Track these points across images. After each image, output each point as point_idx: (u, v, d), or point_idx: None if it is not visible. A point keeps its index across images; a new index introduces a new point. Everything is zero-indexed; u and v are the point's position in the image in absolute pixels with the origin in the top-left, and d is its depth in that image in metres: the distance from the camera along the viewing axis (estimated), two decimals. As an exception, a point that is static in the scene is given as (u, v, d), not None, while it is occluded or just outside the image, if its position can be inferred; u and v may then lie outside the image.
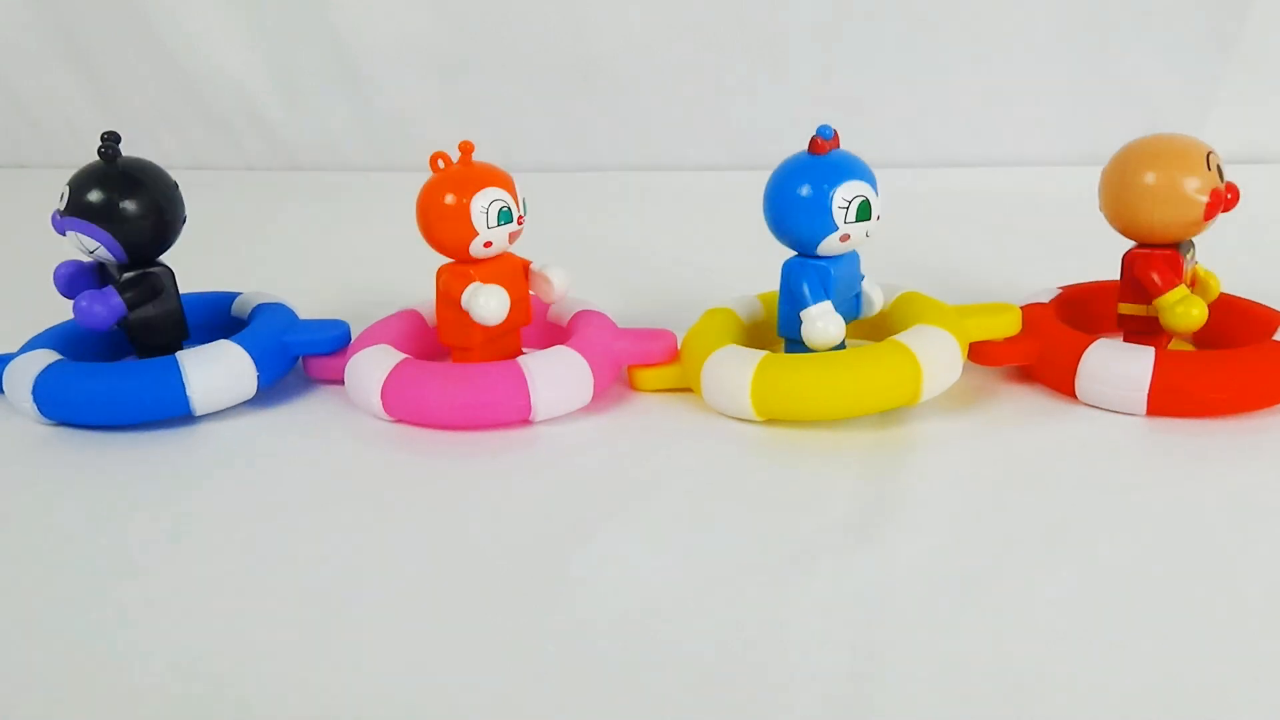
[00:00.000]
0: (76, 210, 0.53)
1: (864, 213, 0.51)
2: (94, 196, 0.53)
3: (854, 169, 0.51)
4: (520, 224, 0.54)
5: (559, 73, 1.15)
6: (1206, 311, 0.52)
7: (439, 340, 0.57)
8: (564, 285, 0.56)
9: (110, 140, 0.54)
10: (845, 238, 0.51)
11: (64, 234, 0.53)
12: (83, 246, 0.54)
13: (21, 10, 1.21)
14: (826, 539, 0.42)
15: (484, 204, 0.52)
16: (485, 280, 0.53)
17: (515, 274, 0.56)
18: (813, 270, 0.52)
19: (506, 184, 0.54)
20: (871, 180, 0.51)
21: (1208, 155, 0.52)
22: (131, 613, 0.39)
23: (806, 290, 0.51)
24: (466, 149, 0.54)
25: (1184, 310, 0.52)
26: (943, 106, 1.10)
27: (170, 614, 0.39)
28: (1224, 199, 0.52)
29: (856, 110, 1.09)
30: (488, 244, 0.53)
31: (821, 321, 0.51)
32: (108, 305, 0.53)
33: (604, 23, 1.12)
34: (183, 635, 0.38)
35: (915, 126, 1.10)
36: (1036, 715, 0.33)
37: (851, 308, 0.54)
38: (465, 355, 0.55)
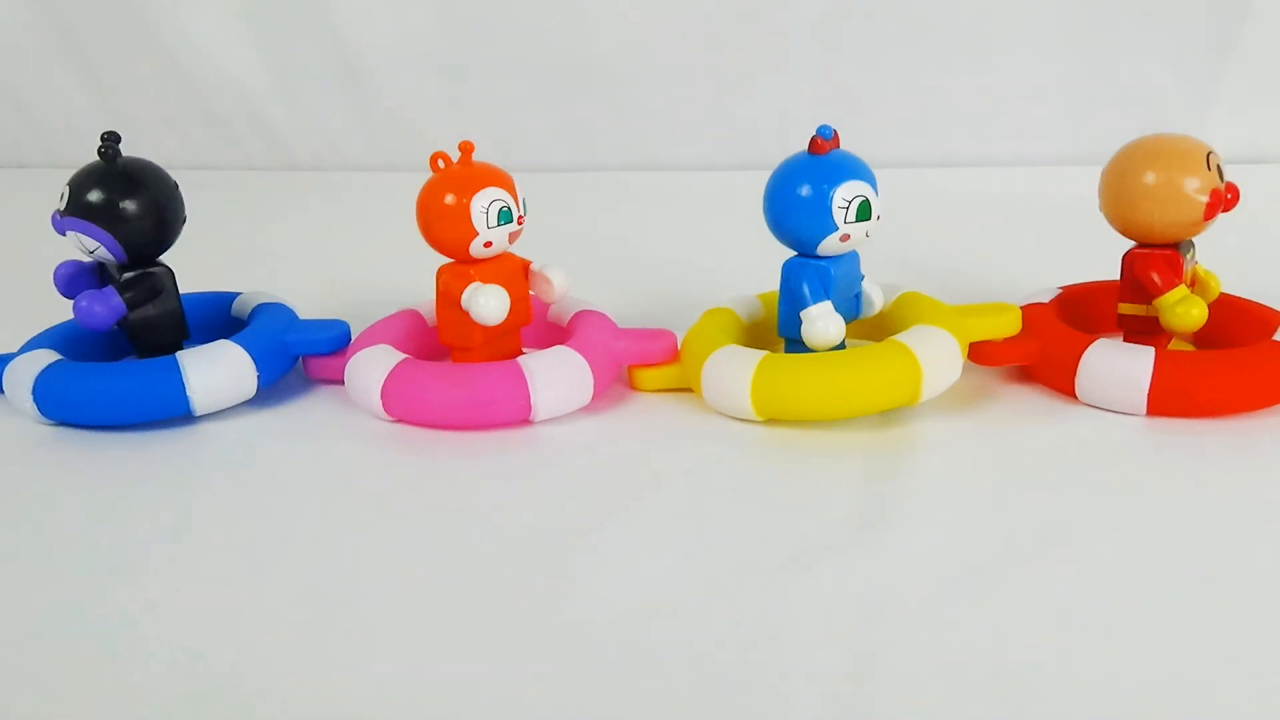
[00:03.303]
0: (76, 210, 0.53)
1: (864, 213, 0.51)
2: (94, 196, 0.53)
3: (854, 169, 0.51)
4: (520, 224, 0.54)
5: (559, 73, 1.14)
6: (1206, 311, 0.52)
7: (439, 340, 0.57)
8: (564, 285, 0.56)
9: (110, 140, 0.54)
10: (845, 238, 0.51)
11: (64, 234, 0.53)
12: (83, 246, 0.54)
13: (21, 10, 1.21)
14: (827, 539, 0.42)
15: (484, 204, 0.52)
16: (485, 280, 0.53)
17: (515, 274, 0.55)
18: (813, 270, 0.52)
19: (506, 184, 0.53)
20: (871, 180, 0.51)
21: (1208, 155, 0.52)
22: (131, 613, 0.39)
23: (806, 290, 0.51)
24: (467, 149, 0.54)
25: (1184, 310, 0.52)
26: (943, 106, 1.10)
27: (170, 614, 0.39)
28: (1224, 199, 0.52)
29: (856, 110, 1.09)
30: (488, 244, 0.53)
31: (821, 322, 0.51)
32: (108, 305, 0.53)
33: (604, 23, 1.12)
34: (183, 635, 0.38)
35: (915, 126, 1.10)
36: (1036, 715, 0.33)
37: (851, 308, 0.54)
38: (465, 355, 0.55)
